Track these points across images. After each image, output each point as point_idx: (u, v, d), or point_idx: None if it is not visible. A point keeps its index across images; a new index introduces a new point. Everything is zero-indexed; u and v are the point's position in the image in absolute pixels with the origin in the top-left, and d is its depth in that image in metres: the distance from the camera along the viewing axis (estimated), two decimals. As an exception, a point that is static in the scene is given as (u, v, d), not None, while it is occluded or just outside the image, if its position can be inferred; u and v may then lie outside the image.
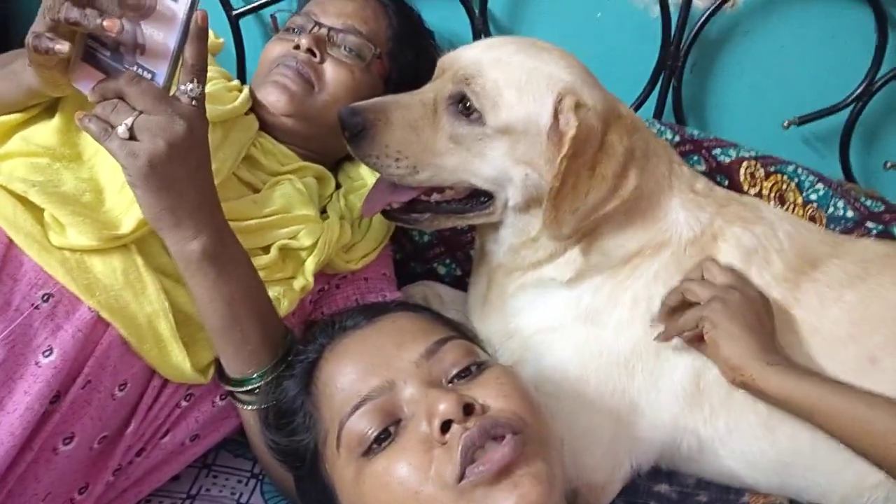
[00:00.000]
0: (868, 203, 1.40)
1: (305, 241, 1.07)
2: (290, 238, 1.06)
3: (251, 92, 1.19)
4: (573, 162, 0.99)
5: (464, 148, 1.03)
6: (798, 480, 1.06)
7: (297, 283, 1.05)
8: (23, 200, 0.88)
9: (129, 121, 0.79)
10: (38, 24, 0.82)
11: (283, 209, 1.07)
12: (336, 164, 1.30)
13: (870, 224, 1.37)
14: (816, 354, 1.02)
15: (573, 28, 1.54)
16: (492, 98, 1.01)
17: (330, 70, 1.19)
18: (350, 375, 0.80)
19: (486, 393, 0.77)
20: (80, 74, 0.86)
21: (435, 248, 1.39)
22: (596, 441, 1.04)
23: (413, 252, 1.39)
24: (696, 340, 1.00)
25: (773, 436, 1.04)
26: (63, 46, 0.80)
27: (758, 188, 1.37)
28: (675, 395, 1.03)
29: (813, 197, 1.38)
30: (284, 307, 1.02)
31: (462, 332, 0.89)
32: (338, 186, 1.26)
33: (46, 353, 0.82)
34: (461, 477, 0.70)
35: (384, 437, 0.75)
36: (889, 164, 1.56)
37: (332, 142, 1.18)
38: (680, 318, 1.00)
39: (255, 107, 1.18)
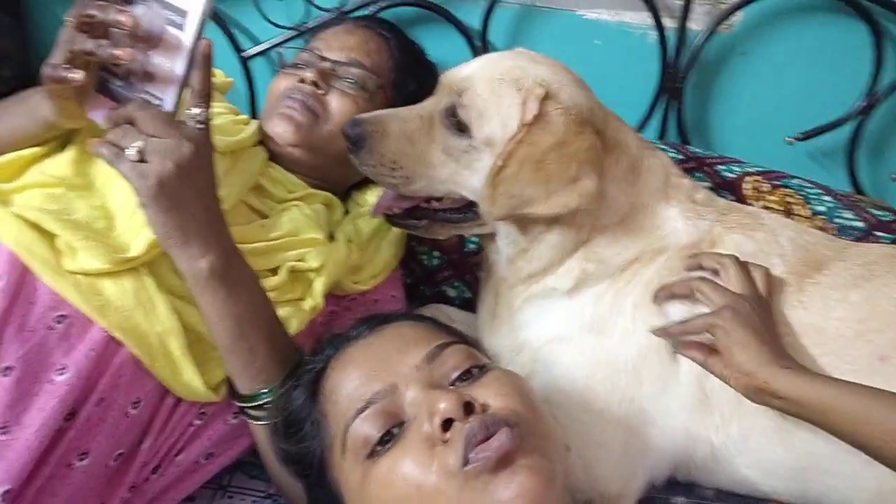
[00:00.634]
0: (877, 213, 1.40)
1: (313, 262, 1.09)
2: (298, 260, 1.09)
3: (260, 126, 1.23)
4: (520, 147, 1.00)
5: (454, 160, 1.06)
6: (817, 486, 1.04)
7: (307, 304, 1.08)
8: (37, 228, 0.91)
9: (139, 144, 0.83)
10: (55, 56, 0.87)
11: (291, 233, 1.11)
12: (345, 192, 1.33)
13: (878, 233, 1.37)
14: (824, 355, 1.02)
15: (572, 56, 1.54)
16: (478, 111, 1.04)
17: (335, 101, 1.23)
18: (354, 382, 0.82)
19: (487, 393, 0.78)
20: (94, 104, 0.92)
21: (444, 270, 1.41)
22: (607, 451, 1.03)
23: (423, 275, 1.41)
24: (694, 348, 1.00)
25: (788, 441, 1.03)
26: (77, 75, 0.85)
27: (763, 202, 1.38)
28: (683, 400, 1.03)
29: (820, 209, 1.38)
30: (294, 327, 1.04)
31: (464, 339, 0.90)
32: (347, 213, 1.29)
33: (61, 372, 0.85)
34: (464, 462, 0.71)
35: (387, 439, 0.76)
36: (895, 176, 1.57)
37: (340, 170, 1.21)
38: (688, 321, 1.01)
39: (263, 140, 1.23)
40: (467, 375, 0.81)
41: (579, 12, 1.58)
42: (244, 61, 1.61)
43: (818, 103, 1.55)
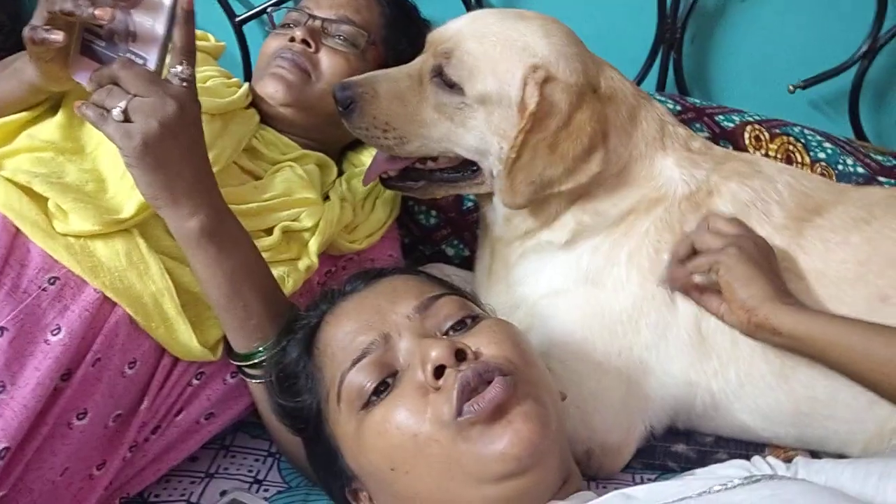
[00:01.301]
0: (879, 158, 1.39)
1: (307, 222, 1.09)
2: (292, 220, 1.09)
3: (252, 88, 1.22)
4: (531, 136, 1.00)
5: (447, 118, 1.05)
6: (817, 431, 1.04)
7: (302, 264, 1.08)
8: (27, 191, 0.91)
9: (122, 104, 0.82)
10: (36, 18, 0.87)
11: (285, 193, 1.10)
12: (340, 153, 1.33)
13: (881, 179, 1.35)
14: (825, 298, 1.01)
15: (569, 7, 1.54)
16: (468, 68, 1.03)
17: (325, 59, 1.22)
18: (348, 334, 0.82)
19: (479, 341, 0.78)
20: (78, 67, 0.91)
21: (442, 229, 1.40)
22: (607, 401, 1.04)
23: (420, 235, 1.41)
24: (697, 290, 0.99)
25: (787, 385, 1.03)
26: (58, 36, 0.84)
27: (763, 151, 1.37)
28: (681, 346, 1.03)
29: (821, 156, 1.37)
30: (289, 287, 1.04)
31: (458, 291, 0.90)
32: (341, 174, 1.28)
33: (55, 332, 0.85)
34: (458, 413, 0.71)
35: (382, 389, 0.77)
36: (899, 121, 1.55)
37: (333, 130, 1.20)
38: (689, 264, 1.00)
39: (256, 101, 1.22)
40: (460, 325, 0.82)
41: (576, -36, 1.55)
42: (237, 26, 1.59)
43: (820, 50, 1.53)
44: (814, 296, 1.02)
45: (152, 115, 0.82)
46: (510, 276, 1.13)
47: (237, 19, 1.59)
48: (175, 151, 0.85)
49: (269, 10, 1.50)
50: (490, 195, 1.12)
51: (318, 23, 1.23)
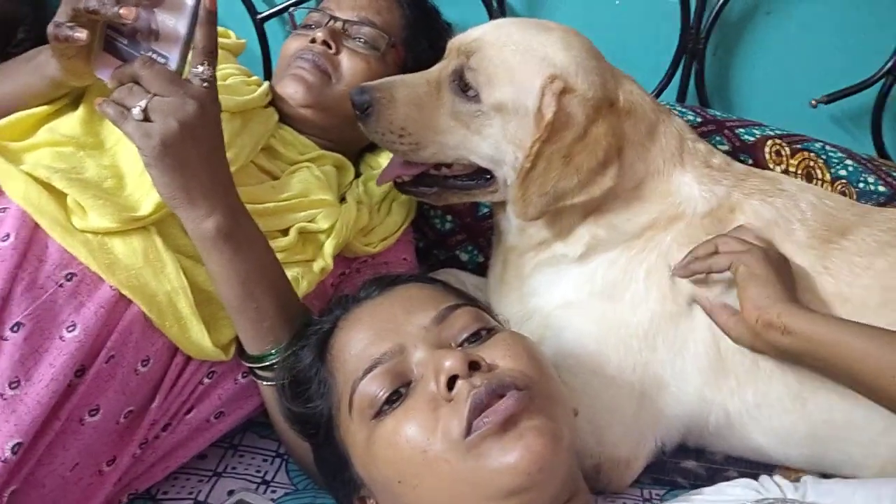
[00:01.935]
0: (901, 177, 1.37)
1: (323, 223, 1.09)
2: (308, 221, 1.09)
3: (272, 87, 1.22)
4: (546, 146, 1.00)
5: (463, 125, 1.05)
6: (831, 454, 1.03)
7: (317, 266, 1.07)
8: (47, 186, 0.92)
9: (143, 103, 0.82)
10: (60, 15, 0.87)
11: (301, 194, 1.10)
12: (358, 155, 1.33)
13: (903, 198, 1.33)
14: None
15: (592, 16, 1.55)
16: (486, 75, 1.03)
17: (346, 61, 1.22)
18: (362, 341, 0.82)
19: (494, 354, 0.78)
20: (100, 63, 0.91)
21: (457, 234, 1.40)
22: (618, 416, 1.03)
23: (435, 239, 1.41)
24: (706, 287, 1.00)
25: (804, 408, 1.02)
26: (81, 34, 0.84)
27: (784, 166, 1.35)
28: (698, 365, 1.02)
29: (842, 173, 1.35)
30: (303, 288, 1.04)
31: (474, 302, 0.90)
32: (359, 175, 1.28)
33: (70, 329, 0.86)
34: (468, 431, 0.71)
35: (394, 399, 0.76)
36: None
37: (351, 132, 1.20)
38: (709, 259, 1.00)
39: (275, 101, 1.22)
40: (476, 337, 0.81)
41: (599, -28, 1.55)
42: (259, 23, 1.60)
43: (844, 65, 1.51)
44: (836, 319, 1.00)
45: (172, 115, 0.82)
46: (524, 287, 1.13)
47: (259, 16, 1.59)
48: (193, 152, 0.85)
49: (290, 10, 1.50)
50: (504, 204, 1.12)
51: (339, 24, 1.23)
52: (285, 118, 1.22)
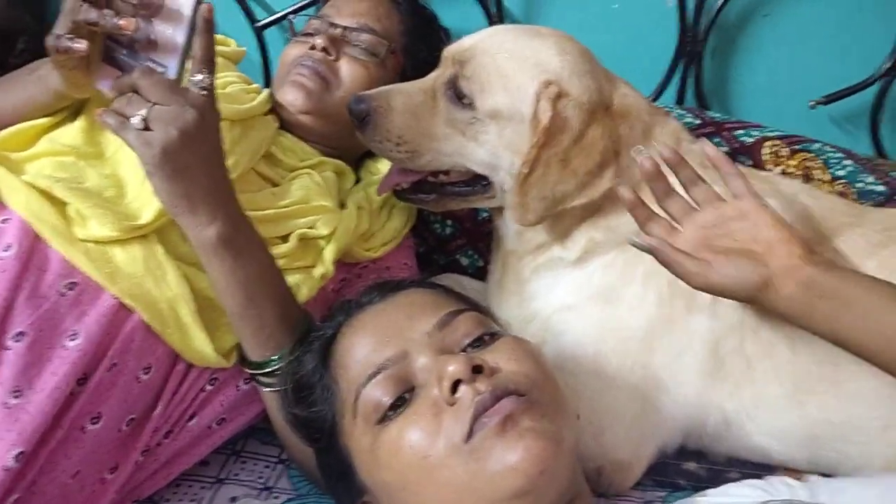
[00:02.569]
0: (899, 176, 1.37)
1: (323, 229, 1.10)
2: (309, 227, 1.09)
3: (272, 95, 1.23)
4: (543, 151, 1.01)
5: (459, 132, 1.06)
6: (829, 454, 1.03)
7: (317, 271, 1.08)
8: (48, 196, 0.92)
9: (142, 112, 0.83)
10: (59, 27, 0.87)
11: (301, 200, 1.11)
12: (358, 160, 1.33)
13: (902, 197, 1.33)
14: None
15: (590, 19, 1.55)
16: (480, 83, 1.04)
17: (345, 68, 1.22)
18: (365, 347, 0.82)
19: (498, 357, 0.78)
20: (100, 74, 0.92)
21: (457, 239, 1.40)
22: (619, 419, 1.03)
23: (436, 244, 1.41)
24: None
25: (802, 409, 1.02)
26: (81, 45, 0.85)
27: (782, 167, 1.35)
28: (695, 368, 1.02)
29: (841, 173, 1.35)
30: (304, 294, 1.04)
31: (476, 307, 0.90)
32: (359, 181, 1.29)
33: (72, 337, 0.86)
34: (469, 435, 0.71)
35: (399, 405, 0.77)
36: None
37: (351, 138, 1.20)
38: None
39: (275, 108, 1.22)
40: (478, 342, 0.81)
41: (597, -25, 1.55)
42: (258, 31, 1.60)
43: (842, 66, 1.51)
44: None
45: (172, 123, 0.83)
46: (523, 291, 1.13)
47: (258, 24, 1.60)
48: (194, 160, 0.85)
49: (290, 17, 1.51)
50: (502, 209, 1.13)
51: (338, 31, 1.23)
52: (285, 125, 1.22)
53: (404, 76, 1.28)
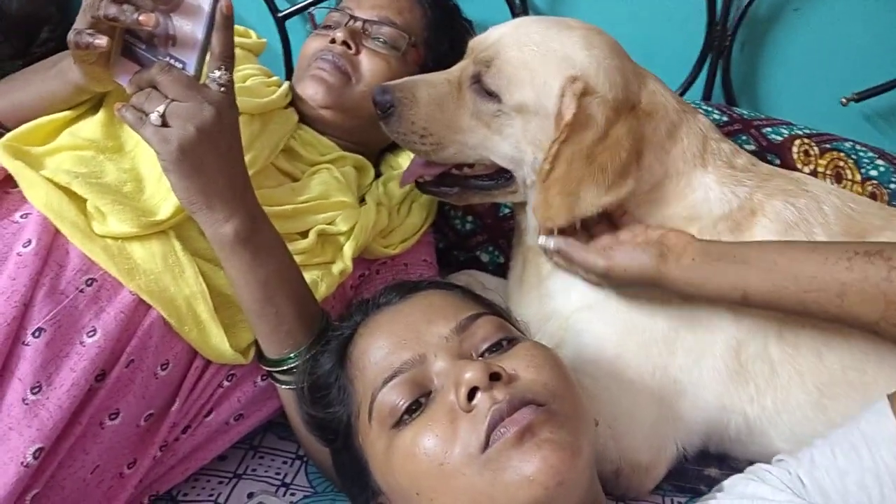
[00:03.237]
0: (933, 178, 1.34)
1: (342, 226, 1.09)
2: (328, 223, 1.09)
3: (292, 88, 1.22)
4: (566, 147, 0.99)
5: (484, 125, 1.05)
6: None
7: (336, 268, 1.07)
8: (68, 192, 0.92)
9: (161, 108, 0.82)
10: (80, 22, 0.87)
11: (321, 195, 1.10)
12: (378, 155, 1.32)
13: (936, 199, 1.30)
14: (860, 333, 0.97)
15: (616, 12, 1.53)
16: (507, 76, 1.02)
17: (366, 61, 1.21)
18: (382, 350, 0.81)
19: (516, 364, 0.77)
20: (119, 69, 0.91)
21: (478, 235, 1.39)
22: (638, 421, 1.02)
23: (456, 240, 1.40)
24: None
25: (825, 415, 1.00)
26: (101, 41, 0.85)
27: (812, 166, 1.33)
28: (717, 371, 1.01)
29: (873, 173, 1.32)
30: (322, 291, 1.04)
31: (495, 309, 0.89)
32: (379, 175, 1.28)
33: (91, 334, 0.86)
34: (486, 445, 0.70)
35: (415, 409, 0.76)
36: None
37: (372, 132, 1.20)
38: None
39: (295, 102, 1.22)
40: (497, 347, 0.80)
41: (625, -32, 1.52)
42: (280, 21, 1.59)
43: (875, 62, 1.48)
44: (845, 331, 0.98)
45: (189, 120, 0.82)
46: (542, 288, 1.12)
47: (280, 15, 1.59)
48: (211, 157, 0.85)
49: (311, 9, 1.50)
50: (524, 205, 1.11)
51: (359, 24, 1.22)
52: (305, 119, 1.22)
53: (425, 69, 1.27)
